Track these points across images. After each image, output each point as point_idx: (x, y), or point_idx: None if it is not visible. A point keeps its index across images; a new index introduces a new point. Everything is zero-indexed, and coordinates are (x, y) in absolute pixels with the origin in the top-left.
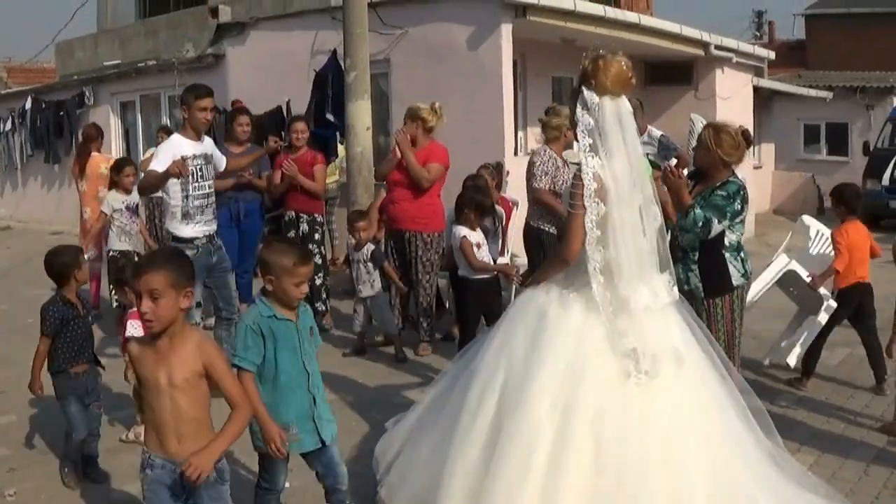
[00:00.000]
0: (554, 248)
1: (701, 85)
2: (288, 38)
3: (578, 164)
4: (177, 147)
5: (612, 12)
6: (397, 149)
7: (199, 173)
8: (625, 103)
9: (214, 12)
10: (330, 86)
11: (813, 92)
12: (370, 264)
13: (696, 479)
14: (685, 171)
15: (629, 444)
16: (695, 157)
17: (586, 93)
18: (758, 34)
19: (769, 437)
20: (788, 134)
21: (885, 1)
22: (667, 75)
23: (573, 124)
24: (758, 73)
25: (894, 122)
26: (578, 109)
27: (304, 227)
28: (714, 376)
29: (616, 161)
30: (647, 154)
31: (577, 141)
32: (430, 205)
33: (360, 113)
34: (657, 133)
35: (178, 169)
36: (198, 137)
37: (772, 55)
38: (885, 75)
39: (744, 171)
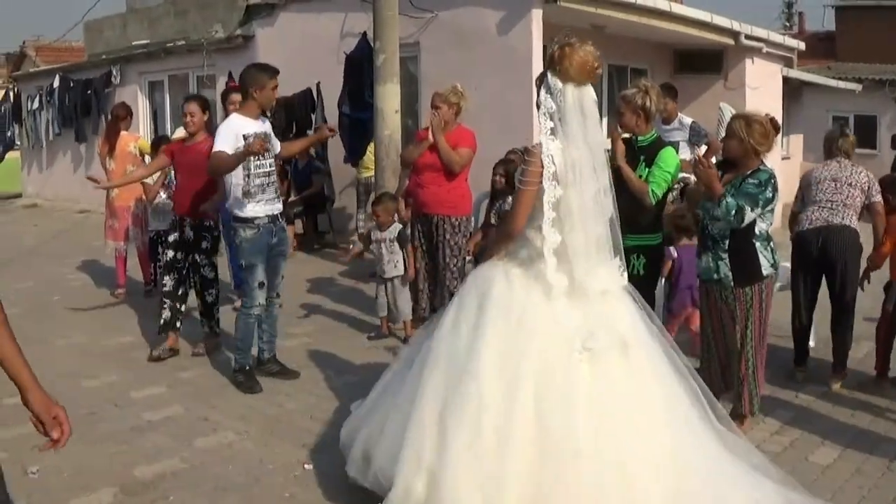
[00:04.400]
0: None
1: (730, 74)
2: (318, 19)
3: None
4: (238, 126)
5: None
6: (429, 132)
7: (253, 140)
8: (589, 92)
9: None
10: (365, 68)
11: (842, 84)
12: (395, 245)
13: (643, 458)
14: (714, 160)
15: (573, 419)
16: (724, 147)
17: (550, 78)
18: (787, 25)
19: (722, 422)
20: (817, 125)
21: None
22: (696, 64)
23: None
24: (787, 63)
25: None
26: (542, 93)
27: (189, 233)
28: (663, 362)
29: (574, 147)
30: (679, 140)
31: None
32: (459, 188)
33: (389, 96)
34: (688, 120)
35: (260, 146)
36: (257, 117)
37: (801, 46)
38: None
39: (772, 161)
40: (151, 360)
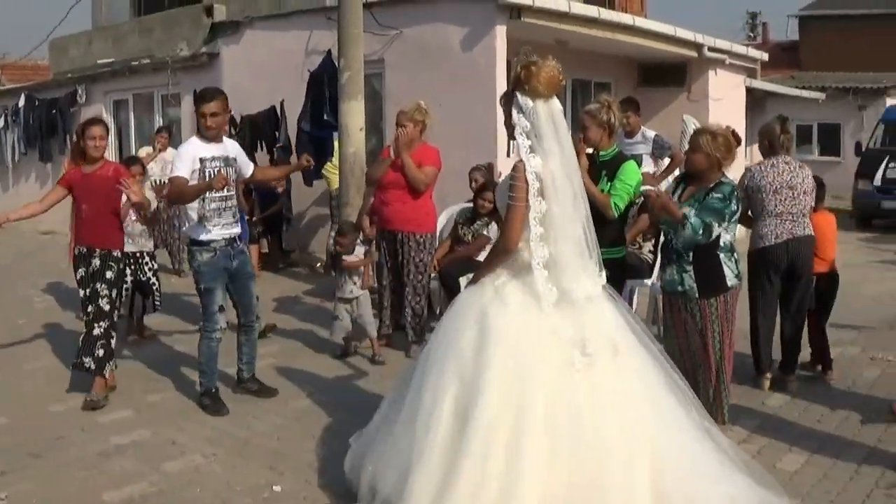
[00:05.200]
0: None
1: (694, 86)
2: (283, 37)
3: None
4: (196, 149)
5: (606, 14)
6: (391, 150)
7: (216, 175)
8: (556, 104)
9: (209, 11)
10: (326, 86)
11: (805, 93)
12: (360, 268)
13: (642, 461)
14: (677, 172)
15: (582, 429)
16: (690, 161)
17: (520, 97)
18: (751, 35)
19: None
20: None
21: (877, 2)
22: (660, 76)
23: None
24: (750, 74)
25: (887, 123)
26: (514, 113)
27: (96, 262)
28: (651, 365)
29: (552, 160)
30: (642, 153)
31: (517, 141)
32: (424, 206)
33: (354, 113)
34: (651, 133)
35: (223, 182)
36: (211, 140)
37: (765, 57)
38: (878, 76)
39: (735, 172)
40: (86, 409)
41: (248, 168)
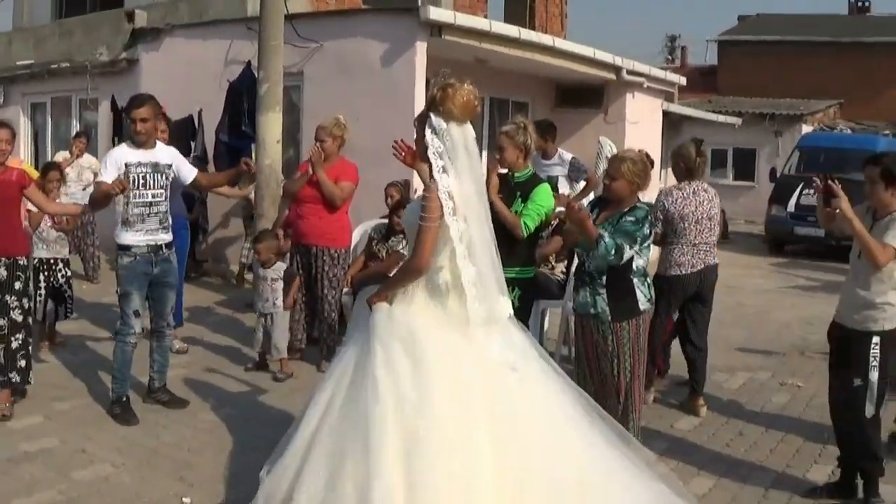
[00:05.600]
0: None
1: (611, 108)
2: (203, 46)
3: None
4: (121, 155)
5: (526, 34)
6: (309, 165)
7: (142, 181)
8: (469, 130)
9: (130, 16)
10: (246, 97)
11: (722, 118)
12: (278, 283)
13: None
14: (592, 195)
15: (526, 437)
16: (609, 188)
17: (434, 118)
18: (670, 59)
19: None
20: None
21: (796, 29)
22: (577, 98)
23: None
24: (668, 97)
25: (802, 150)
26: (428, 133)
27: (2, 272)
28: (556, 386)
29: (465, 182)
30: (558, 175)
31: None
32: (339, 220)
33: (271, 125)
34: (568, 156)
35: (119, 187)
36: (140, 146)
37: (683, 81)
38: (794, 103)
39: (653, 196)
40: None
41: (188, 175)
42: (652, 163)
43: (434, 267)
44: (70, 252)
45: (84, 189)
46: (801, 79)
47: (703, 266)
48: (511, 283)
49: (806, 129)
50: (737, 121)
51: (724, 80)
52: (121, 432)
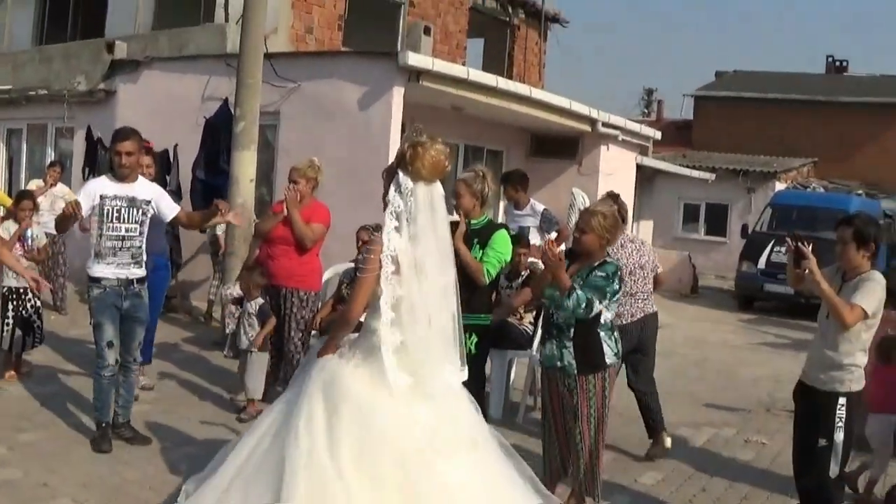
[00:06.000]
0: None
1: (585, 159)
2: (181, 80)
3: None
4: (98, 186)
5: (503, 83)
6: (284, 205)
7: (115, 214)
8: (437, 188)
9: (110, 47)
10: (222, 134)
11: (695, 173)
12: (254, 318)
13: None
14: (563, 247)
15: None
16: (579, 241)
17: (401, 177)
18: (646, 111)
19: None
20: (668, 212)
21: (773, 87)
22: (552, 148)
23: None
24: (642, 151)
25: (774, 207)
26: (391, 191)
27: None
28: (501, 455)
29: (422, 245)
30: (530, 226)
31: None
32: (310, 262)
33: (245, 164)
34: (540, 207)
35: (71, 209)
36: (120, 179)
37: (658, 135)
38: (769, 160)
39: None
40: None
41: (169, 212)
42: (624, 218)
43: (370, 327)
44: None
45: None
46: (776, 136)
47: (642, 315)
48: (469, 329)
49: (779, 186)
50: (710, 176)
51: (698, 135)
52: (84, 468)
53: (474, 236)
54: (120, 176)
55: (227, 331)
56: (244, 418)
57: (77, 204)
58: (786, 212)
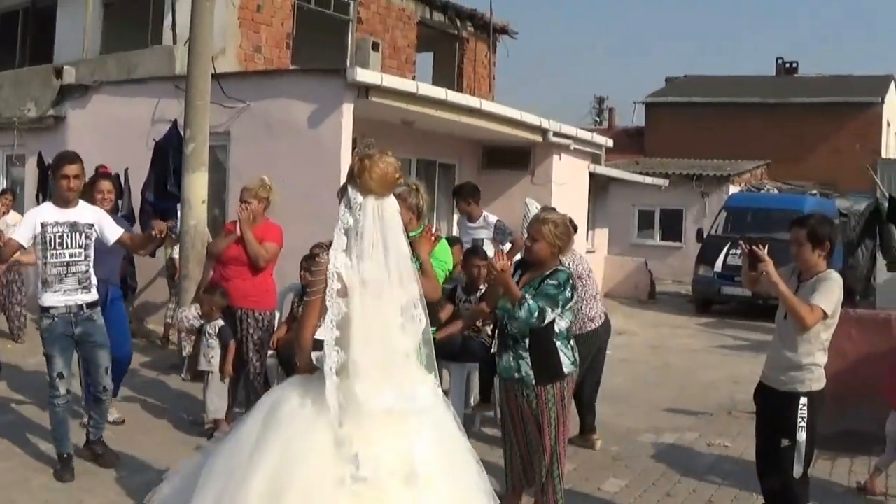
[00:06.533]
0: None
1: (538, 170)
2: (130, 104)
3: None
4: (38, 213)
5: (453, 96)
6: (236, 226)
7: (58, 240)
8: (389, 203)
9: (58, 73)
10: (172, 156)
11: (649, 179)
12: (214, 339)
13: None
14: (518, 256)
15: None
16: (531, 249)
17: (350, 191)
18: (597, 120)
19: None
20: (623, 219)
21: (724, 91)
22: (504, 159)
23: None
24: (595, 159)
25: (729, 210)
26: (342, 207)
27: None
28: (458, 495)
29: (372, 261)
30: (484, 238)
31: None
32: (264, 283)
33: (197, 185)
34: (493, 218)
35: None
36: (66, 205)
37: (610, 143)
38: (721, 164)
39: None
40: None
41: (111, 235)
42: (575, 228)
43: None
44: None
45: None
46: (729, 139)
47: (602, 318)
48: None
49: (733, 189)
50: (663, 182)
51: (651, 142)
52: (44, 495)
53: (413, 248)
54: (66, 200)
55: (184, 353)
56: (219, 437)
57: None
58: (740, 214)
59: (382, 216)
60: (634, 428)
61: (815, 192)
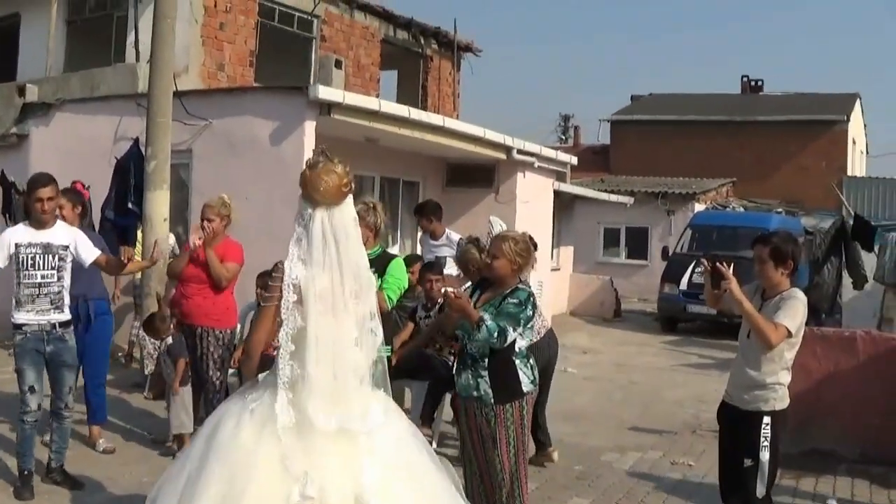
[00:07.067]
0: None
1: (502, 187)
2: (93, 122)
3: None
4: (13, 234)
5: (416, 114)
6: (196, 244)
7: (30, 262)
8: (342, 214)
9: (21, 90)
10: (132, 174)
11: (613, 197)
12: (168, 356)
13: None
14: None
15: None
16: (489, 268)
17: (301, 202)
18: (563, 138)
19: None
20: (588, 237)
21: (689, 109)
22: (468, 177)
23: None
24: (560, 177)
25: (694, 228)
26: (297, 218)
27: None
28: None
29: (325, 273)
30: (446, 256)
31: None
32: (224, 301)
33: (158, 203)
34: (456, 236)
35: None
36: (41, 226)
37: (574, 160)
38: (687, 182)
39: (541, 273)
40: None
41: (87, 257)
42: (535, 245)
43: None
44: None
45: None
46: (694, 157)
47: (549, 329)
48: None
49: (699, 207)
50: (628, 200)
51: (616, 160)
52: None
53: (370, 266)
54: (40, 222)
55: (146, 372)
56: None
57: None
58: (705, 232)
59: (333, 227)
60: (598, 446)
61: (780, 210)
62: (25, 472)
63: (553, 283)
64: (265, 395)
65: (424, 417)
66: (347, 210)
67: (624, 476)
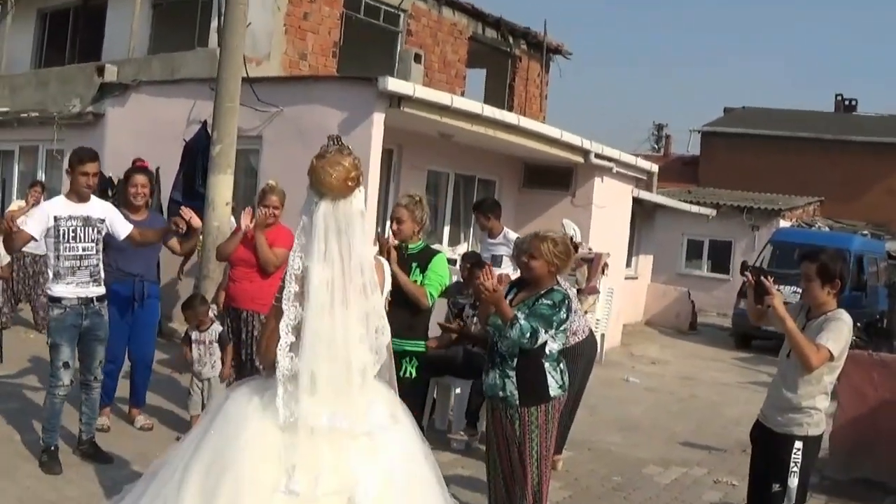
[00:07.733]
0: None
1: (578, 191)
2: (167, 104)
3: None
4: (51, 207)
5: (489, 111)
6: (249, 227)
7: (72, 234)
8: (347, 204)
9: (100, 70)
10: (200, 156)
11: (696, 208)
12: (214, 346)
13: None
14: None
15: None
16: (528, 267)
17: (308, 191)
18: (656, 147)
19: None
20: (671, 247)
21: (781, 124)
22: (545, 179)
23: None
24: (646, 185)
25: (775, 245)
26: (303, 207)
27: None
28: None
29: (320, 268)
30: (503, 255)
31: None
32: (271, 286)
33: (221, 187)
34: (513, 235)
35: (7, 226)
36: (81, 200)
37: (654, 168)
38: (773, 197)
39: (613, 280)
40: None
41: (122, 231)
42: (576, 248)
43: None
44: (20, 300)
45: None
46: (783, 173)
47: (589, 331)
48: (409, 354)
49: (783, 224)
50: (711, 212)
51: (705, 171)
52: (23, 482)
53: (413, 261)
54: (82, 196)
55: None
56: None
57: (12, 219)
58: (786, 249)
59: (337, 219)
60: (643, 458)
61: (866, 231)
62: (52, 448)
63: (629, 291)
64: (269, 384)
65: (469, 416)
66: (355, 203)
67: (661, 490)
